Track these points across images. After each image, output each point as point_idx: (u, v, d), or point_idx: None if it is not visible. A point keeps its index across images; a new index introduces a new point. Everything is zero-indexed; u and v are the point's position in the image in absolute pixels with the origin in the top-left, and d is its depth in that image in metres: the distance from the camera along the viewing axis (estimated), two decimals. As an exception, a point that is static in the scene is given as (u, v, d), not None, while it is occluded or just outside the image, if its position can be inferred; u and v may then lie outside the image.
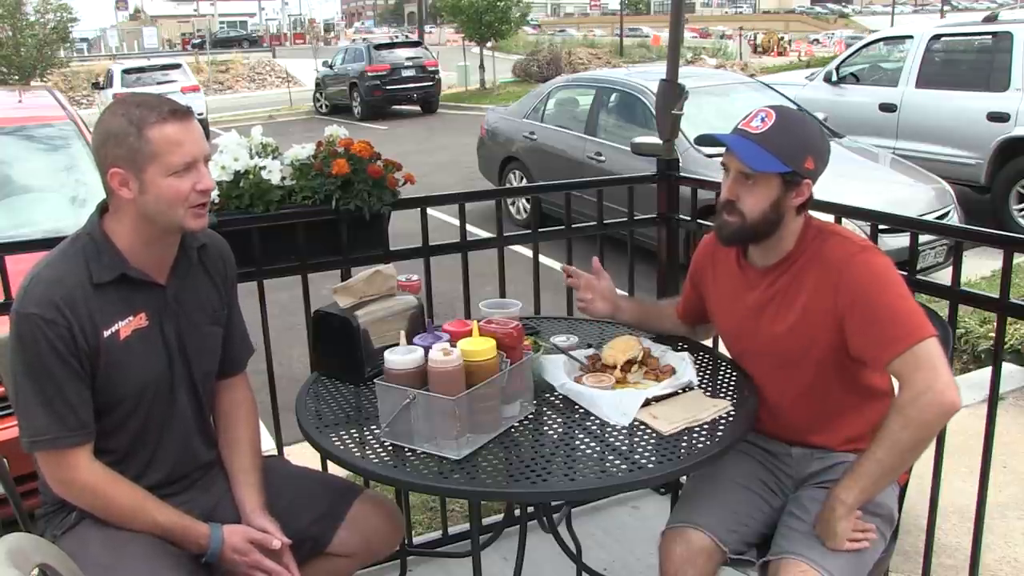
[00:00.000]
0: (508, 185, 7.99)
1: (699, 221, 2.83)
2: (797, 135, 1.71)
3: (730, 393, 1.83)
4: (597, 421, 1.71)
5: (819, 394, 1.79)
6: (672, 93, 2.73)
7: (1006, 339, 3.32)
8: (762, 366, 1.85)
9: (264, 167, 2.22)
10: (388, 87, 18.99)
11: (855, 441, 1.81)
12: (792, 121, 1.73)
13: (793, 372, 1.78)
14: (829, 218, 2.22)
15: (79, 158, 3.77)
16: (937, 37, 7.62)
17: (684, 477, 2.05)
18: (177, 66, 18.74)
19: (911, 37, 7.82)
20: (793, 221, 1.76)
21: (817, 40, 33.67)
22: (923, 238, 2.54)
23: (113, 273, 1.58)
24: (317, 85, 21.87)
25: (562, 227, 2.72)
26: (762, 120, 1.71)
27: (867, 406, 1.80)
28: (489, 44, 23.31)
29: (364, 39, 28.32)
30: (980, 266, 5.08)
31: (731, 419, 1.71)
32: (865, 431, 1.79)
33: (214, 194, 2.18)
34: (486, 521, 2.66)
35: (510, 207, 7.85)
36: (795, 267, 1.77)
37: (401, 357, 1.62)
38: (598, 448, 1.62)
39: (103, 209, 1.64)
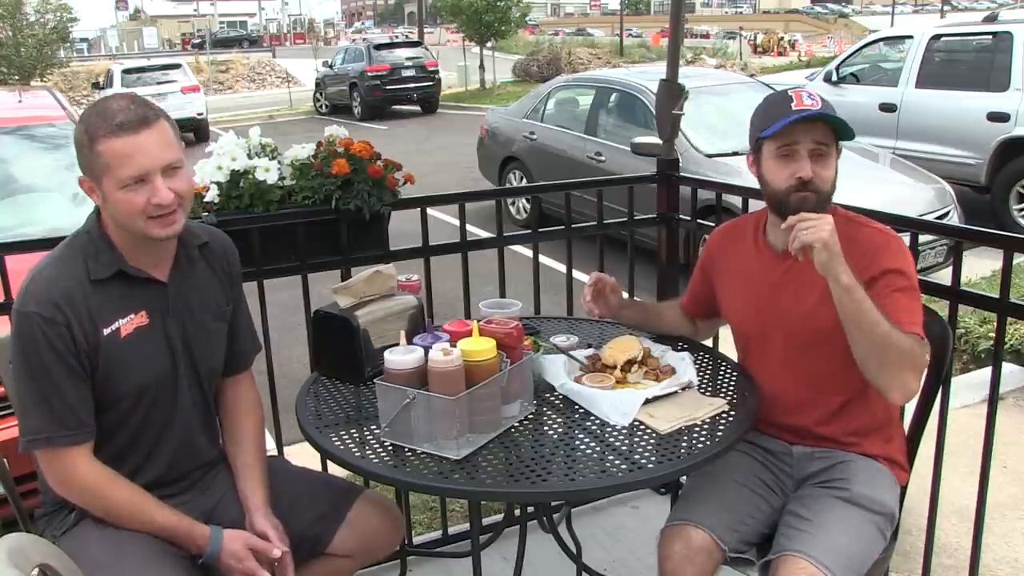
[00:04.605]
0: (508, 185, 7.99)
1: (699, 221, 2.83)
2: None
3: (729, 393, 1.83)
4: (597, 421, 1.71)
5: (831, 379, 1.79)
6: (672, 93, 2.74)
7: (1006, 339, 3.32)
8: (776, 349, 1.85)
9: (259, 168, 2.22)
10: (388, 87, 18.98)
11: (859, 435, 1.82)
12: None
13: (808, 354, 1.80)
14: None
15: (79, 158, 3.76)
16: (937, 37, 7.62)
17: (684, 477, 2.05)
18: (177, 66, 18.68)
19: (911, 37, 7.82)
20: None
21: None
22: (923, 238, 2.54)
23: (111, 270, 1.58)
24: (317, 85, 21.86)
25: (562, 227, 2.72)
26: (811, 98, 1.75)
27: (874, 398, 1.79)
28: (489, 44, 23.31)
29: (364, 39, 28.31)
30: (980, 266, 5.07)
31: (731, 419, 1.72)
32: (870, 425, 1.81)
33: (214, 194, 2.19)
34: (486, 521, 2.66)
35: (510, 207, 7.85)
36: None
37: (401, 357, 1.62)
38: (598, 448, 1.62)
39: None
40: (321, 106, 21.54)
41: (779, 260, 1.85)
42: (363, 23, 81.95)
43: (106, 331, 1.57)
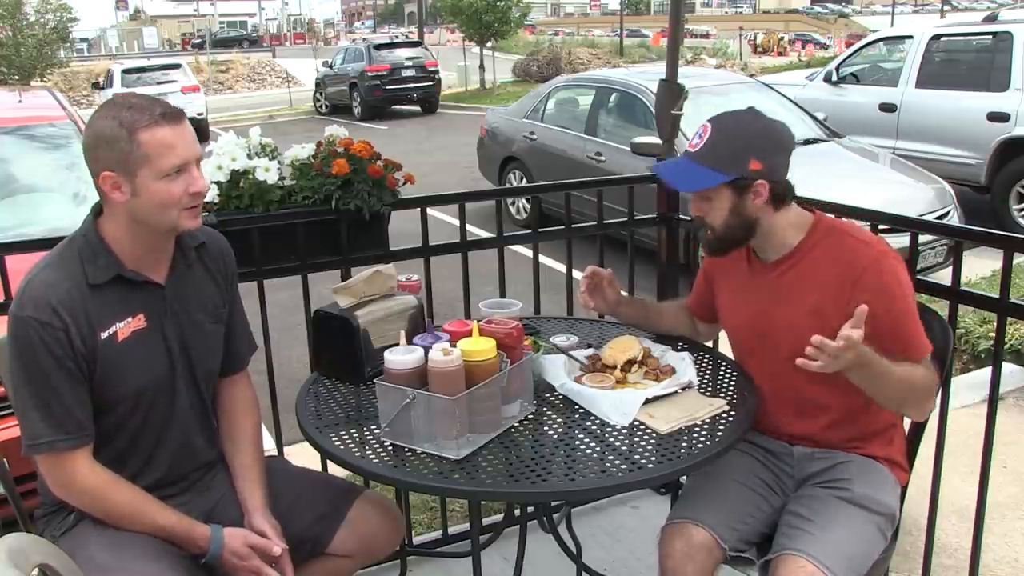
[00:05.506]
0: (508, 185, 7.99)
1: (699, 221, 2.83)
2: (734, 142, 1.74)
3: (729, 393, 1.83)
4: (597, 421, 1.71)
5: (831, 391, 1.77)
6: (672, 93, 2.74)
7: (1006, 339, 3.32)
8: (771, 362, 1.84)
9: (258, 168, 2.22)
10: (388, 87, 18.97)
11: (861, 439, 1.82)
12: (729, 128, 1.76)
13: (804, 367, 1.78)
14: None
15: (79, 157, 3.75)
16: (937, 37, 7.62)
17: (684, 476, 2.05)
18: (177, 66, 18.70)
19: (911, 37, 7.82)
20: (780, 217, 1.78)
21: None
22: (923, 238, 2.55)
23: (109, 274, 1.58)
24: (317, 85, 21.86)
25: (562, 227, 2.72)
26: (700, 136, 1.76)
27: (876, 407, 1.79)
28: (489, 44, 23.31)
29: (364, 39, 28.32)
30: (980, 266, 5.08)
31: (731, 419, 1.72)
32: (871, 431, 1.81)
33: (214, 194, 2.19)
34: (486, 521, 2.66)
35: (510, 207, 7.85)
36: (804, 262, 1.78)
37: (401, 357, 1.62)
38: (598, 448, 1.62)
39: (98, 211, 1.63)
40: (321, 106, 21.53)
41: (768, 272, 1.84)
42: (362, 23, 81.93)
43: (103, 335, 1.56)
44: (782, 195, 1.77)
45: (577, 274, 2.38)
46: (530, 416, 1.75)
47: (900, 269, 1.72)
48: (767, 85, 7.57)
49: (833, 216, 1.88)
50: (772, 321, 1.81)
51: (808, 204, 1.86)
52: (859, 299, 1.67)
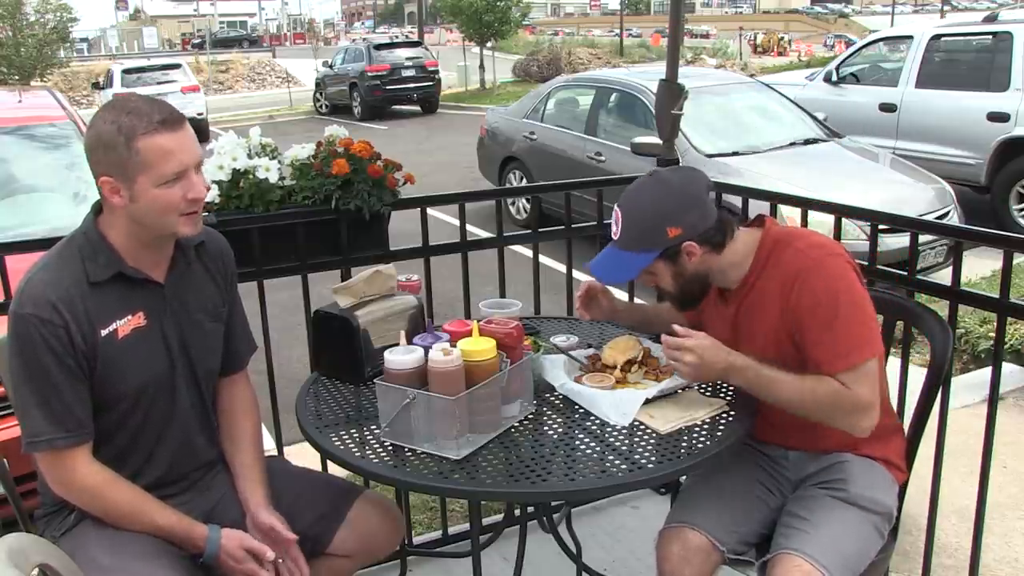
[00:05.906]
0: (508, 185, 7.99)
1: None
2: (644, 220, 1.74)
3: (729, 393, 1.83)
4: (597, 421, 1.71)
5: None
6: (672, 93, 2.74)
7: (1006, 339, 3.32)
8: None
9: (259, 167, 2.22)
10: (388, 87, 18.97)
11: (854, 443, 1.81)
12: (635, 208, 1.76)
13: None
14: (826, 219, 2.22)
15: (80, 157, 3.76)
16: (937, 37, 7.62)
17: (683, 477, 2.04)
18: (177, 66, 18.70)
19: (911, 37, 7.83)
20: (727, 254, 1.77)
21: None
22: (923, 238, 2.54)
23: (109, 272, 1.58)
24: (317, 85, 21.86)
25: (562, 227, 2.72)
26: (616, 224, 1.77)
27: None
28: (489, 44, 23.32)
29: (364, 39, 28.32)
30: (980, 266, 5.08)
31: (730, 419, 1.72)
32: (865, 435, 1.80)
33: (214, 194, 2.19)
34: (486, 521, 2.66)
35: (510, 207, 7.85)
36: (760, 281, 1.79)
37: (401, 357, 1.62)
38: (598, 448, 1.62)
39: (98, 209, 1.63)
40: (321, 106, 21.53)
41: (733, 299, 1.85)
42: (362, 23, 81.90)
43: (103, 332, 1.56)
44: (718, 240, 1.75)
45: (577, 274, 2.39)
46: (530, 416, 1.75)
47: (838, 276, 1.67)
48: (767, 85, 7.57)
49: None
50: (741, 344, 1.79)
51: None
52: (792, 309, 1.67)
